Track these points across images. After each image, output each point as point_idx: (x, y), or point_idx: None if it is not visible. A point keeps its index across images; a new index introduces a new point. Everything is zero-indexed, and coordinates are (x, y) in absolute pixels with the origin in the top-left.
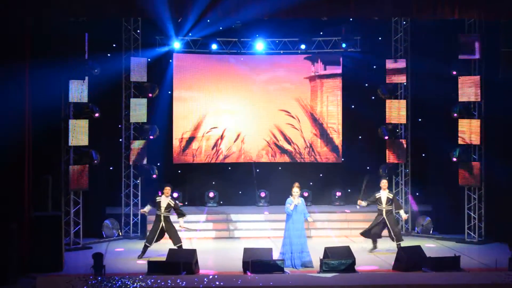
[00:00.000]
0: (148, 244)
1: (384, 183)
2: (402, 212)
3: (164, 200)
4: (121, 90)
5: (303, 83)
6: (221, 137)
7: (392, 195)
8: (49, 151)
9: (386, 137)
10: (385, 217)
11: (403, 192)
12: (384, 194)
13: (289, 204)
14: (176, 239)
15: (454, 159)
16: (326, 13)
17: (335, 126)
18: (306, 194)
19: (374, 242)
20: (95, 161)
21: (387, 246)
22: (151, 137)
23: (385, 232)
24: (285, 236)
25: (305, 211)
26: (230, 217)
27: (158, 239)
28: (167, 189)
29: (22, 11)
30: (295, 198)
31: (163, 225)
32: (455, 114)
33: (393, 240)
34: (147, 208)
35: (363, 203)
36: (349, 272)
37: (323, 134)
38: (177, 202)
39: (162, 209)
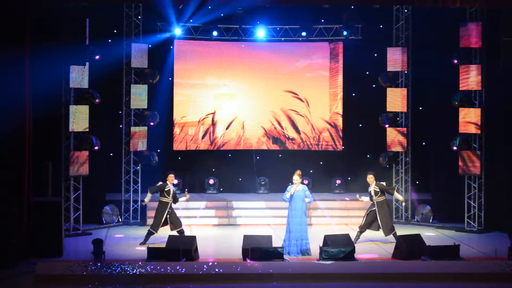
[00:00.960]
0: (153, 231)
1: (369, 177)
2: (396, 195)
3: (171, 187)
4: (121, 76)
5: (303, 71)
6: (221, 124)
7: (378, 187)
8: (49, 136)
9: (387, 126)
10: (376, 208)
11: (403, 181)
12: (371, 187)
13: (287, 192)
14: (178, 224)
15: (455, 148)
16: (327, 0)
17: (335, 115)
18: (306, 182)
19: (360, 233)
20: (96, 147)
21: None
22: (152, 123)
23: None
24: (287, 223)
25: (309, 196)
26: (230, 204)
27: (162, 225)
28: (171, 176)
29: None
30: (296, 186)
31: (169, 211)
32: (456, 103)
33: (386, 233)
34: (148, 197)
35: (364, 199)
36: (349, 260)
37: (323, 122)
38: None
39: (170, 196)
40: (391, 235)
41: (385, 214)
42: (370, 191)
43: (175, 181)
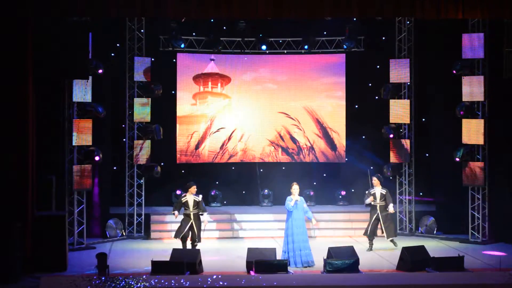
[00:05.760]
0: (184, 240)
1: (376, 180)
2: (390, 206)
3: (190, 198)
4: (125, 89)
5: (306, 83)
6: (224, 137)
7: (385, 191)
8: (53, 151)
9: (391, 135)
10: (379, 212)
11: (406, 192)
12: (378, 190)
13: (289, 201)
14: (198, 238)
15: (458, 159)
16: (330, 13)
17: (338, 127)
18: (311, 193)
19: (371, 241)
20: (96, 158)
21: (390, 245)
22: (156, 136)
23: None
24: (286, 234)
25: (308, 211)
26: (234, 217)
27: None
28: (193, 189)
29: (25, 11)
30: (295, 196)
31: (193, 223)
32: (459, 114)
33: (383, 232)
34: (175, 213)
35: (368, 200)
36: (353, 272)
37: (326, 135)
38: (201, 198)
39: (191, 207)
40: (391, 242)
41: (387, 217)
42: (375, 192)
43: (178, 192)
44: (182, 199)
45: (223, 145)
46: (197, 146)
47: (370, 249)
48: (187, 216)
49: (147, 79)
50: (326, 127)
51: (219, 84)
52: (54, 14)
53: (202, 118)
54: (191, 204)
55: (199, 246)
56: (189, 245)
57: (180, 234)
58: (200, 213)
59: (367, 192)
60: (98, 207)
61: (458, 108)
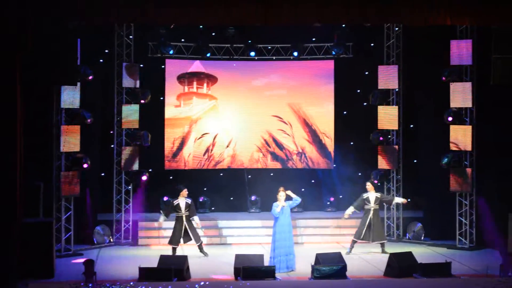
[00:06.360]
0: (175, 246)
1: (369, 185)
2: (398, 199)
3: (182, 201)
4: (113, 95)
5: (295, 89)
6: (213, 143)
7: (380, 194)
8: (40, 157)
9: (380, 140)
10: (371, 216)
11: None
12: (372, 194)
13: (276, 207)
14: (197, 238)
15: (445, 165)
16: (318, 19)
17: (327, 132)
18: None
19: (353, 243)
20: (85, 165)
21: (376, 249)
22: (143, 143)
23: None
24: (273, 240)
25: (295, 200)
26: (222, 223)
27: (186, 241)
28: (184, 192)
29: (17, 14)
30: (281, 202)
31: (186, 225)
32: (447, 120)
33: (374, 239)
34: (162, 218)
35: (349, 212)
36: (341, 278)
37: (315, 140)
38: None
39: (183, 209)
40: (380, 248)
41: (379, 221)
42: (368, 196)
43: (165, 198)
44: (174, 202)
45: (211, 151)
46: (185, 153)
47: (350, 251)
48: (179, 218)
49: (135, 85)
50: (315, 132)
51: (205, 85)
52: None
53: (187, 120)
54: (183, 206)
55: (186, 252)
56: (197, 251)
57: (175, 240)
58: (191, 217)
59: (359, 198)
60: (90, 214)
61: (446, 114)
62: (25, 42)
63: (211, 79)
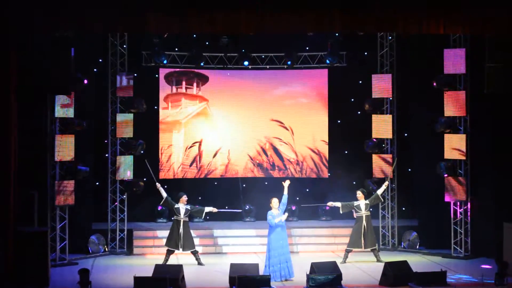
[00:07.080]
0: (172, 249)
1: (360, 194)
2: (380, 190)
3: (182, 206)
4: (107, 105)
5: (288, 98)
6: (207, 152)
7: (368, 200)
8: (35, 166)
9: (374, 151)
10: (364, 223)
11: (389, 207)
12: (362, 202)
13: (271, 216)
14: (191, 245)
15: (440, 174)
16: (312, 28)
17: (321, 141)
18: (293, 208)
19: (346, 254)
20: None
21: (371, 258)
22: (137, 152)
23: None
24: (268, 249)
25: (282, 204)
26: (217, 233)
27: (184, 248)
28: (184, 198)
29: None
30: (274, 210)
31: (182, 230)
32: (441, 129)
33: (366, 246)
34: (162, 191)
35: (336, 204)
36: (336, 287)
37: (310, 149)
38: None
39: (181, 214)
40: (373, 254)
41: (371, 227)
42: (359, 204)
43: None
44: (175, 205)
45: (205, 160)
46: (179, 162)
47: (344, 261)
48: (177, 222)
49: (129, 94)
50: (309, 142)
51: (194, 84)
52: (37, 30)
53: (186, 133)
54: (182, 211)
55: (181, 261)
56: (192, 258)
57: (171, 242)
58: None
59: (350, 202)
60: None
61: (440, 123)
62: (18, 52)
63: (202, 78)
